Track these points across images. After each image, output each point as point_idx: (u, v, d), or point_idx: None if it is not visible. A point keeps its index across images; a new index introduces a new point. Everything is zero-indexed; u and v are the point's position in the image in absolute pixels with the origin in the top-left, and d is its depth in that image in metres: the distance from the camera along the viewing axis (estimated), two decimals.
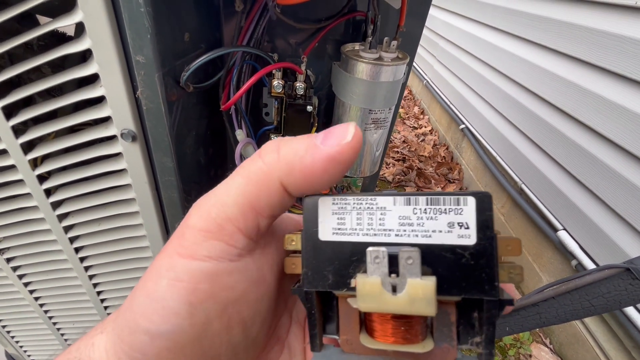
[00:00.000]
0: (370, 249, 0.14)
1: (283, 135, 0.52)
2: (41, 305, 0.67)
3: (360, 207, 0.15)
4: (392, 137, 2.56)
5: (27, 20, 0.44)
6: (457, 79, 2.37)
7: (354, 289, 0.14)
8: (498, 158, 1.79)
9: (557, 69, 1.40)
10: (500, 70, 1.82)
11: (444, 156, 2.40)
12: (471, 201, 0.14)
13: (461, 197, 0.14)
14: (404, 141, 2.60)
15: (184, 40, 0.39)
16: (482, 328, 0.14)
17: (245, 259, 0.15)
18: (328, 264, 0.15)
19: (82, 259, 0.55)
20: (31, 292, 0.64)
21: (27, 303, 0.67)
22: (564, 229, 1.32)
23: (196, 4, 0.42)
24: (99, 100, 0.38)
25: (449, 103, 2.46)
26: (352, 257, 0.15)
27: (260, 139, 0.54)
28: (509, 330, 0.56)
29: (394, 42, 0.48)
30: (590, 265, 1.18)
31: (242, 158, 0.50)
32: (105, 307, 0.64)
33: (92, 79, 0.37)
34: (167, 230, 0.50)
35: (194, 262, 0.14)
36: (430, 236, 0.14)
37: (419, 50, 3.13)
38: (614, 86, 1.14)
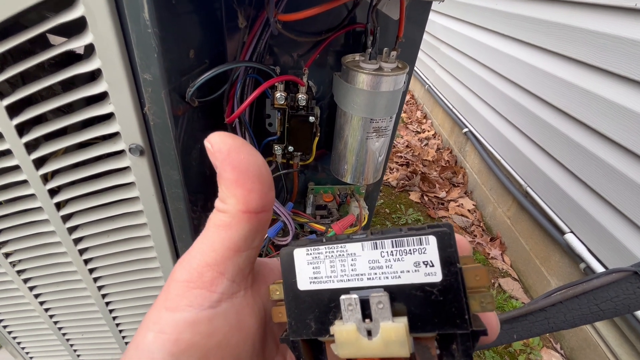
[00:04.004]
0: (343, 297, 0.15)
1: (286, 146, 0.53)
2: (51, 316, 0.68)
3: (332, 255, 0.16)
4: (395, 141, 2.57)
5: (38, 39, 0.46)
6: (459, 83, 2.38)
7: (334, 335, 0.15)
8: (502, 161, 1.78)
9: (560, 71, 1.40)
10: (502, 74, 1.82)
11: (447, 160, 2.39)
12: (432, 240, 0.14)
13: (423, 237, 0.14)
14: (407, 146, 2.60)
15: (189, 57, 0.41)
16: None
17: (224, 305, 0.16)
18: (309, 313, 0.16)
19: (91, 270, 0.56)
20: (41, 303, 0.65)
21: (37, 314, 0.68)
22: (571, 232, 1.31)
23: (200, 21, 0.43)
24: (108, 116, 0.39)
25: (451, 107, 2.46)
26: (330, 304, 0.16)
27: (264, 149, 0.55)
28: (517, 337, 0.56)
29: (394, 53, 0.49)
30: (599, 268, 1.17)
31: None
32: (114, 318, 0.65)
33: (101, 96, 0.38)
34: (174, 241, 0.51)
35: (176, 314, 0.15)
36: (399, 277, 0.15)
37: (421, 55, 3.15)
38: (617, 88, 1.14)
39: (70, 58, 0.49)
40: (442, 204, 2.05)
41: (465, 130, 2.17)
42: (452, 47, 2.50)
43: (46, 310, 0.67)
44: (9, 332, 0.76)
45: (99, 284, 0.58)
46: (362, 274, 0.15)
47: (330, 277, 0.16)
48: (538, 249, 1.50)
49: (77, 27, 0.33)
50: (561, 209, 1.39)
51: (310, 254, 0.16)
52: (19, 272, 0.59)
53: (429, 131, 2.82)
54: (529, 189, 1.57)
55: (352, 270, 0.15)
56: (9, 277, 0.60)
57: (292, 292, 0.16)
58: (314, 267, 0.16)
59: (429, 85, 2.94)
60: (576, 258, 1.25)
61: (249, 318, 0.17)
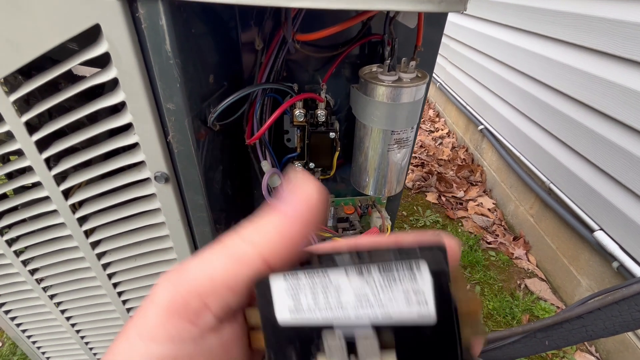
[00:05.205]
0: (325, 332, 0.14)
1: (307, 162, 0.52)
2: (82, 337, 0.69)
3: (313, 284, 0.14)
4: None
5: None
6: (472, 79, 2.33)
7: None
8: (522, 158, 1.73)
9: (578, 63, 1.35)
10: (516, 68, 1.77)
11: (464, 158, 2.34)
12: (424, 266, 0.13)
13: (413, 262, 0.13)
14: (421, 146, 2.56)
15: (209, 82, 0.41)
16: None
17: (209, 339, 0.14)
18: (289, 345, 0.15)
19: (120, 294, 0.57)
20: (73, 325, 0.66)
21: (69, 336, 0.70)
22: (601, 229, 1.25)
23: (218, 45, 0.43)
24: (133, 146, 0.39)
25: (464, 104, 2.42)
26: (312, 336, 0.15)
27: (284, 166, 0.54)
28: (550, 345, 0.53)
29: (413, 63, 0.48)
30: (633, 267, 1.12)
31: (269, 188, 0.50)
32: None
33: (126, 127, 0.38)
34: None
35: (152, 345, 0.13)
36: (388, 308, 0.14)
37: None
38: None
39: (95, 86, 0.50)
40: (461, 203, 2.00)
41: (481, 127, 2.12)
42: (463, 44, 2.46)
43: (77, 331, 0.68)
44: (43, 353, 0.78)
45: (128, 306, 0.59)
46: (347, 305, 0.14)
47: (312, 308, 0.14)
48: (565, 248, 1.44)
49: (102, 58, 0.34)
50: (588, 205, 1.33)
51: (289, 282, 0.15)
52: (51, 296, 0.61)
53: (442, 130, 2.77)
54: (552, 186, 1.52)
55: (336, 301, 0.14)
56: (42, 301, 0.62)
57: (270, 324, 0.15)
58: (294, 297, 0.15)
59: (440, 83, 2.89)
60: (608, 256, 1.20)
61: (235, 349, 0.16)
